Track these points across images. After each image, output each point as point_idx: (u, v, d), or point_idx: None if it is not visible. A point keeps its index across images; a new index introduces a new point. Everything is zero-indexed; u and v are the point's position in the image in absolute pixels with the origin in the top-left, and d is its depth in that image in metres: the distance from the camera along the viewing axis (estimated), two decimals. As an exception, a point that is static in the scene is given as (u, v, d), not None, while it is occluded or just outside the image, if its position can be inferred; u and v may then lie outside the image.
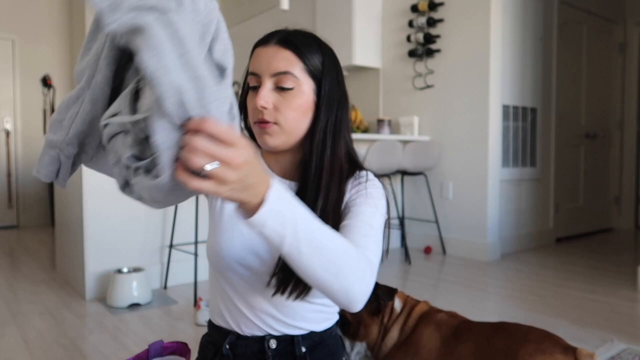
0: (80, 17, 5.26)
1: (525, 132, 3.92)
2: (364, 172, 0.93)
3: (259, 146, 0.93)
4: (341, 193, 0.88)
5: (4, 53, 5.21)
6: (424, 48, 3.80)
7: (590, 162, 4.64)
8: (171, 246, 2.79)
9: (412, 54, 3.87)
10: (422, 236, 3.88)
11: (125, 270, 2.60)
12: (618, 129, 4.94)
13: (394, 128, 4.02)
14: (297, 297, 0.86)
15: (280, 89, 0.86)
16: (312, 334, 0.95)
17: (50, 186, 5.16)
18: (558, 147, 4.22)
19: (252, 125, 0.90)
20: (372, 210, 0.86)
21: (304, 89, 0.87)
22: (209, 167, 0.56)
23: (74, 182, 2.71)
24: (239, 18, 5.73)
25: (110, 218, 2.66)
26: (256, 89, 0.87)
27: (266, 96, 0.85)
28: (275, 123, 0.86)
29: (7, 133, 5.25)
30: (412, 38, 3.85)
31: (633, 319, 2.25)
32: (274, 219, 0.64)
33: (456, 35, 3.63)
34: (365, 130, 4.19)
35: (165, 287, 2.81)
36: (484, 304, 2.50)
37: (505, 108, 3.69)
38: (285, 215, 0.65)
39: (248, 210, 0.64)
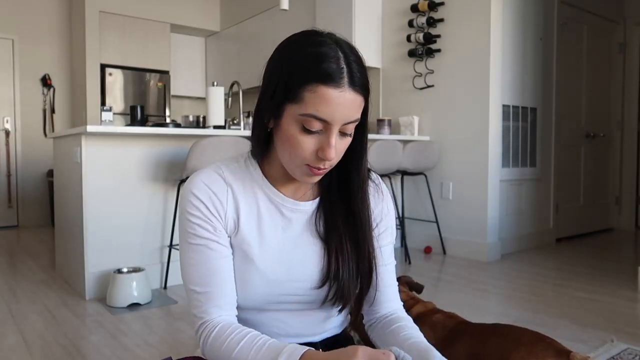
0: (81, 17, 5.26)
1: (525, 132, 3.92)
2: (373, 176, 0.96)
3: (259, 154, 0.88)
4: (365, 199, 0.90)
5: (4, 53, 5.21)
6: (424, 48, 3.80)
7: (590, 162, 4.64)
8: (171, 246, 2.79)
9: (412, 54, 3.87)
10: (422, 236, 3.88)
11: (125, 270, 2.60)
12: (618, 129, 4.94)
13: (394, 128, 4.02)
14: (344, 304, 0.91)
15: (342, 134, 0.79)
16: (332, 336, 0.98)
17: (50, 186, 5.16)
18: (558, 147, 4.22)
19: (297, 165, 0.81)
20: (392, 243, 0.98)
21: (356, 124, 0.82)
22: None
23: (74, 182, 2.71)
24: (239, 18, 5.73)
25: (110, 218, 2.66)
26: (313, 132, 0.77)
27: (336, 144, 0.79)
28: (328, 169, 0.82)
29: (7, 133, 5.25)
30: (412, 38, 3.85)
31: (633, 319, 2.25)
32: None
33: (456, 35, 3.63)
34: (365, 130, 4.18)
35: (165, 287, 2.81)
36: (484, 304, 2.50)
37: (505, 108, 3.69)
38: None
39: None
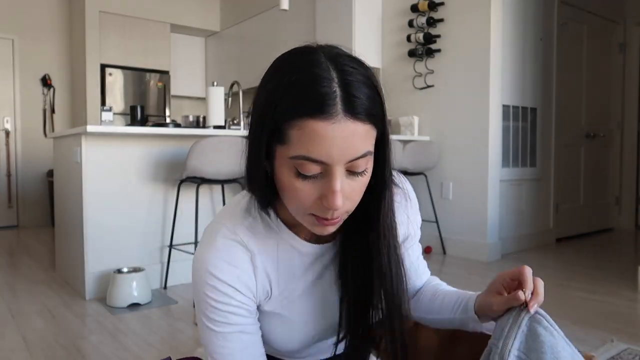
0: (81, 17, 5.26)
1: (525, 132, 3.92)
2: (398, 180, 0.84)
3: (267, 202, 0.74)
4: (393, 233, 0.77)
5: (4, 53, 5.21)
6: (424, 48, 3.80)
7: (590, 162, 4.64)
8: (171, 246, 2.79)
9: (412, 54, 3.87)
10: (422, 236, 3.85)
11: (125, 270, 2.60)
12: (618, 129, 4.94)
13: (394, 128, 4.02)
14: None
15: (351, 173, 0.64)
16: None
17: (50, 186, 5.16)
18: (558, 147, 4.22)
19: (305, 213, 0.67)
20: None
21: (371, 161, 0.66)
22: None
23: (74, 182, 2.71)
24: (239, 18, 5.73)
25: (110, 218, 2.66)
26: (310, 177, 0.63)
27: (342, 190, 0.63)
28: (342, 215, 0.67)
29: (7, 133, 5.25)
30: (412, 38, 3.85)
31: (633, 319, 2.25)
32: None
33: (456, 35, 3.63)
34: (365, 130, 4.18)
35: (165, 287, 2.81)
36: (484, 304, 2.50)
37: (505, 108, 3.69)
38: None
39: None
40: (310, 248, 0.77)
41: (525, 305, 0.71)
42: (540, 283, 0.72)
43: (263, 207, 0.74)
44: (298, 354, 0.87)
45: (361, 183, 0.65)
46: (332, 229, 0.68)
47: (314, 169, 0.62)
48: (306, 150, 0.60)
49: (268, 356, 0.84)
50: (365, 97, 0.61)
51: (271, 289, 0.76)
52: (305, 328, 0.80)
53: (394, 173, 0.82)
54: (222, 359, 0.74)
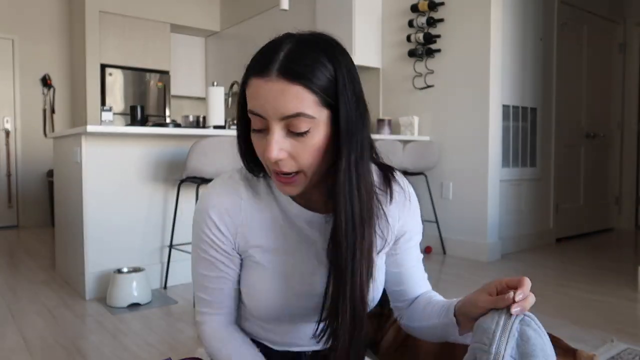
0: (81, 17, 5.26)
1: (525, 132, 3.92)
2: (398, 177, 0.89)
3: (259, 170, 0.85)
4: (374, 219, 0.80)
5: (4, 53, 5.21)
6: (424, 48, 3.80)
7: (590, 162, 4.64)
8: (171, 246, 2.79)
9: (412, 54, 3.87)
10: (422, 236, 3.87)
11: (125, 270, 2.60)
12: (618, 129, 4.94)
13: (394, 128, 4.02)
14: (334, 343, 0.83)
15: (292, 133, 0.71)
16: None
17: (50, 186, 5.16)
18: (558, 147, 4.22)
19: (268, 170, 0.77)
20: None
21: (321, 126, 0.72)
22: None
23: (74, 182, 2.71)
24: (239, 18, 5.73)
25: (110, 218, 2.66)
26: (262, 131, 0.73)
27: (279, 145, 0.71)
28: (297, 172, 0.74)
29: (7, 133, 5.25)
30: (412, 38, 3.85)
31: (633, 319, 2.25)
32: None
33: (456, 35, 3.63)
34: (365, 130, 4.18)
35: (165, 287, 2.81)
36: (484, 304, 2.50)
37: (505, 108, 3.69)
38: None
39: None
40: (299, 211, 0.84)
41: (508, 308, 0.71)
42: (532, 297, 0.74)
43: (250, 171, 0.84)
44: (281, 327, 0.90)
45: (308, 145, 0.71)
46: (289, 189, 0.75)
47: (259, 123, 0.72)
48: (252, 105, 0.72)
49: (257, 342, 0.93)
50: (303, 65, 0.69)
51: (256, 239, 0.84)
52: (282, 285, 0.85)
53: (398, 174, 0.90)
54: (197, 275, 0.88)
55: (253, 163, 0.82)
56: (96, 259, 2.62)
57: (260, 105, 0.70)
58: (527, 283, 0.74)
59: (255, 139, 0.75)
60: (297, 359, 0.94)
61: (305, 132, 0.71)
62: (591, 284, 2.85)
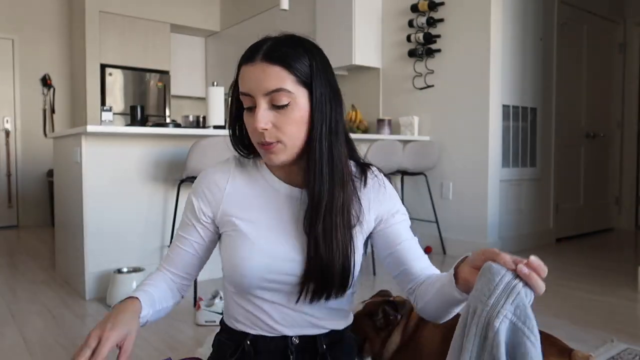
0: (81, 17, 5.26)
1: (525, 132, 3.92)
2: (374, 169, 1.02)
3: (249, 155, 1.00)
4: (347, 195, 0.91)
5: (4, 53, 5.22)
6: (424, 48, 3.80)
7: (590, 162, 4.64)
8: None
9: (412, 54, 3.87)
10: (422, 236, 3.87)
11: (125, 270, 2.60)
12: (618, 129, 4.94)
13: (394, 128, 4.02)
14: (319, 300, 0.93)
15: (275, 107, 0.85)
16: (332, 332, 1.00)
17: (50, 186, 5.16)
18: (558, 147, 4.22)
19: (255, 145, 0.90)
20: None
21: (299, 101, 0.86)
22: None
23: (74, 182, 2.71)
24: (239, 18, 5.73)
25: (110, 218, 2.66)
26: (251, 109, 0.87)
27: (264, 117, 0.85)
28: (278, 142, 0.86)
29: (7, 133, 5.25)
30: (412, 38, 3.85)
31: (633, 319, 2.25)
32: None
33: (456, 35, 3.63)
34: (365, 130, 4.19)
35: (165, 287, 2.81)
36: (484, 304, 2.50)
37: (505, 108, 3.69)
38: None
39: None
40: (281, 186, 0.96)
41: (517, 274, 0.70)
42: (541, 281, 0.71)
43: (241, 152, 0.99)
44: (267, 303, 0.96)
45: (290, 117, 0.85)
46: (272, 157, 0.87)
47: (248, 102, 0.87)
48: (242, 87, 0.87)
49: (250, 336, 0.98)
50: (283, 52, 0.85)
51: (239, 207, 0.95)
52: (264, 251, 0.92)
53: (374, 169, 1.02)
54: (175, 235, 1.02)
55: (242, 146, 0.98)
56: (96, 259, 2.62)
57: (248, 85, 0.86)
58: (542, 269, 0.72)
59: (246, 118, 0.89)
60: (285, 350, 0.97)
61: (286, 106, 0.85)
62: (591, 284, 2.85)
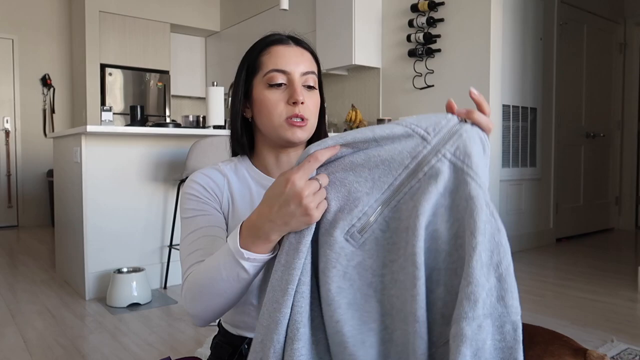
0: (81, 17, 5.26)
1: (525, 132, 3.92)
2: None
3: (249, 148, 1.00)
4: None
5: (4, 53, 5.21)
6: (424, 48, 3.80)
7: (590, 162, 4.64)
8: (171, 246, 2.79)
9: (412, 53, 3.87)
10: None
11: (125, 270, 2.60)
12: (618, 129, 4.93)
13: (394, 128, 4.01)
14: None
15: (307, 87, 0.90)
16: None
17: (50, 186, 5.16)
18: (558, 147, 4.22)
19: (280, 122, 0.89)
20: None
21: (317, 91, 0.94)
22: None
23: (74, 182, 2.71)
24: (239, 18, 5.73)
25: (110, 218, 2.66)
26: (280, 86, 0.89)
27: (302, 92, 0.89)
28: (307, 119, 0.90)
29: (7, 133, 5.25)
30: (412, 38, 3.85)
31: (633, 319, 2.25)
32: None
33: (456, 35, 3.63)
34: (365, 130, 4.18)
35: (165, 287, 2.81)
36: (484, 304, 2.50)
37: (505, 108, 3.69)
38: None
39: None
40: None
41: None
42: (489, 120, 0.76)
43: (242, 152, 0.99)
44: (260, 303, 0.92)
45: (314, 99, 0.91)
46: (299, 133, 0.89)
47: (280, 78, 0.89)
48: (274, 64, 0.89)
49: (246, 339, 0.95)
50: (311, 47, 0.95)
51: (234, 208, 0.94)
52: None
53: None
54: (183, 242, 0.89)
55: (240, 143, 0.99)
56: (96, 259, 2.62)
57: (285, 63, 0.89)
58: (483, 102, 0.78)
59: (271, 94, 0.89)
60: None
61: (314, 88, 0.92)
62: (591, 284, 2.84)
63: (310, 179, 0.68)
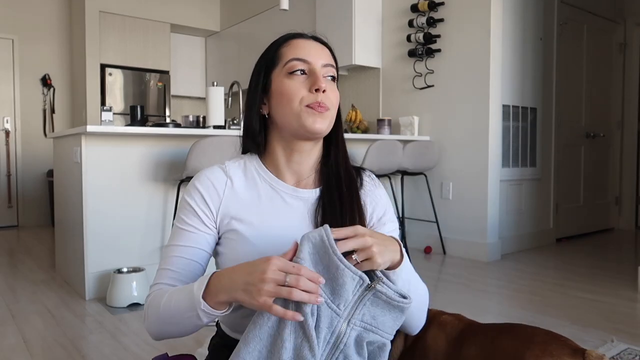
0: (81, 17, 5.26)
1: (525, 132, 3.92)
2: (368, 171, 1.03)
3: (256, 147, 0.97)
4: (356, 193, 0.95)
5: (4, 53, 5.21)
6: (424, 48, 3.80)
7: (590, 162, 4.64)
8: (171, 246, 2.79)
9: (412, 53, 3.87)
10: (422, 236, 3.87)
11: (125, 270, 2.60)
12: (618, 129, 4.93)
13: (394, 128, 4.02)
14: None
15: (328, 77, 0.90)
16: None
17: (50, 186, 5.16)
18: (558, 147, 4.22)
19: (301, 108, 0.87)
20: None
21: (336, 76, 0.94)
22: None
23: (74, 182, 2.71)
24: (239, 18, 5.73)
25: (110, 218, 2.66)
26: (301, 73, 0.88)
27: (323, 80, 0.88)
28: (329, 109, 0.89)
29: (7, 133, 5.25)
30: (412, 38, 3.85)
31: (633, 319, 2.25)
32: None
33: (456, 35, 3.63)
34: (365, 130, 4.18)
35: (165, 287, 2.81)
36: (484, 304, 2.50)
37: (505, 108, 3.69)
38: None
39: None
40: (289, 190, 0.94)
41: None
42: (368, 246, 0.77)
43: (252, 150, 0.96)
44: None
45: (336, 92, 0.91)
46: (320, 122, 0.87)
47: (300, 65, 0.88)
48: (294, 54, 0.89)
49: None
50: (330, 45, 0.94)
51: (239, 212, 0.91)
52: (269, 252, 0.90)
53: (367, 171, 1.05)
54: (167, 248, 0.91)
55: (254, 140, 0.95)
56: (96, 259, 2.62)
57: (307, 53, 0.89)
58: (358, 235, 0.78)
59: (291, 82, 0.88)
60: None
61: (335, 79, 0.92)
62: (591, 284, 2.85)
63: (290, 271, 0.72)
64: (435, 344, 1.24)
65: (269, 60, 0.92)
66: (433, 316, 1.33)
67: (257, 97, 0.92)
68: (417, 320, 0.94)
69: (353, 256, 0.75)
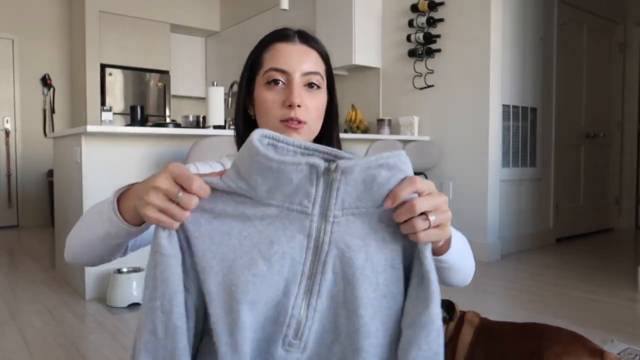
0: (81, 17, 5.26)
1: (525, 132, 3.92)
2: None
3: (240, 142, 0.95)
4: None
5: (4, 53, 5.21)
6: (424, 48, 3.80)
7: (590, 162, 4.64)
8: (171, 246, 2.79)
9: (412, 53, 3.87)
10: (422, 236, 3.87)
11: (125, 270, 2.60)
12: (618, 129, 4.93)
13: (394, 128, 4.02)
14: None
15: (309, 85, 0.87)
16: None
17: (50, 186, 5.16)
18: (558, 147, 4.22)
19: (275, 123, 0.86)
20: None
21: (323, 90, 0.90)
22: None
23: (74, 182, 2.71)
24: (239, 18, 5.73)
25: (110, 218, 2.66)
26: (278, 83, 0.86)
27: (300, 93, 0.85)
28: (304, 122, 0.86)
29: (7, 133, 5.25)
30: (412, 38, 3.85)
31: (633, 319, 2.25)
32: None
33: (456, 35, 3.63)
34: (365, 130, 4.18)
35: (165, 287, 2.81)
36: (484, 304, 2.50)
37: (505, 108, 3.69)
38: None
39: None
40: None
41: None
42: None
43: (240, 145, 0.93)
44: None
45: (317, 100, 0.87)
46: (295, 137, 0.82)
47: (279, 76, 0.85)
48: (274, 63, 0.86)
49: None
50: (320, 45, 0.90)
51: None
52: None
53: None
54: None
55: (241, 141, 0.93)
56: (96, 259, 2.61)
57: (286, 62, 0.85)
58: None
59: (268, 94, 0.86)
60: None
61: (318, 87, 0.88)
62: (591, 284, 2.85)
63: (184, 183, 0.63)
64: (464, 342, 1.26)
65: (253, 64, 0.91)
66: (461, 315, 1.34)
67: (241, 100, 0.93)
68: (463, 272, 0.92)
69: (431, 217, 0.64)
